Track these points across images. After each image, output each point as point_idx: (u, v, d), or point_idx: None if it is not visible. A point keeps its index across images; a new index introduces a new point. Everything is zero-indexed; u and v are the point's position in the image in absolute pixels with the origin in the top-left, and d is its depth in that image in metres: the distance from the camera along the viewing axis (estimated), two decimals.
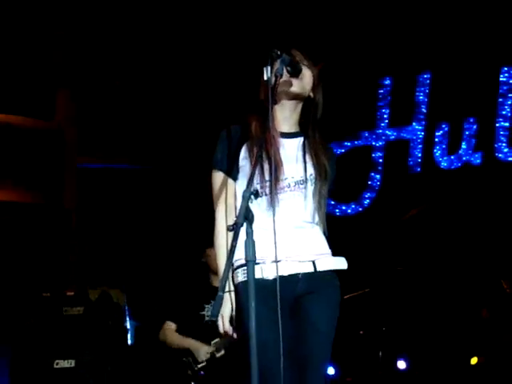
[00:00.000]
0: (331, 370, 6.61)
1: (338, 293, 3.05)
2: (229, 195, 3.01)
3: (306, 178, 3.02)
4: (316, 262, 2.98)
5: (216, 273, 4.89)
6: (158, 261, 7.58)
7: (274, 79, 2.84)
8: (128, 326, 5.64)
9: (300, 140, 3.10)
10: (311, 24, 7.13)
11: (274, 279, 2.82)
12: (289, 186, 3.00)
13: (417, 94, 7.75)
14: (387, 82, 7.88)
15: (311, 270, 2.97)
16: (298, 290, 2.96)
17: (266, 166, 2.94)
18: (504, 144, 7.34)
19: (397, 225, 7.44)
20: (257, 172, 2.91)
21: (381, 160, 7.83)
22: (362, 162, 7.71)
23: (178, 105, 8.11)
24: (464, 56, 7.49)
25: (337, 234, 3.20)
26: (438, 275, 7.13)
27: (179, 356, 4.89)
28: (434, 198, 7.49)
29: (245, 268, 2.86)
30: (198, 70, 7.82)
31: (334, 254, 3.12)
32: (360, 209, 7.72)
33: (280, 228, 2.89)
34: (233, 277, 2.96)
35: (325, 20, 7.34)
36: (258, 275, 2.82)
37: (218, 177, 3.05)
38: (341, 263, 3.08)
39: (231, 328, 2.88)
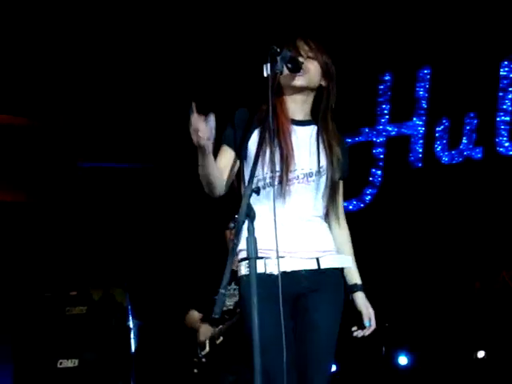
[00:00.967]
0: (333, 367, 6.61)
1: (341, 291, 3.03)
2: (222, 161, 2.97)
3: (318, 170, 2.97)
4: (320, 260, 2.95)
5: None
6: (161, 259, 7.58)
7: (273, 76, 2.82)
8: (131, 326, 5.64)
9: (313, 128, 3.05)
10: (311, 20, 7.12)
11: (275, 274, 2.81)
12: (297, 178, 2.95)
13: (417, 89, 7.75)
14: (387, 77, 7.87)
15: (315, 267, 2.95)
16: (300, 287, 2.93)
17: (277, 156, 2.92)
18: (505, 138, 7.33)
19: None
20: (267, 161, 2.90)
21: (382, 156, 7.82)
22: (362, 158, 7.70)
23: (179, 103, 8.10)
24: (464, 50, 7.48)
25: None
26: (440, 270, 7.13)
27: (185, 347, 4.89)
28: (436, 192, 7.49)
29: (267, 260, 2.84)
30: (199, 68, 7.82)
31: None
32: (361, 205, 7.71)
33: (286, 222, 2.88)
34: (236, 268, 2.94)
35: (324, 16, 7.33)
36: (261, 270, 2.80)
37: (223, 149, 3.01)
38: (345, 261, 3.07)
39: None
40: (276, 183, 2.90)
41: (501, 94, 7.41)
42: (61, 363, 5.25)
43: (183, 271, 7.12)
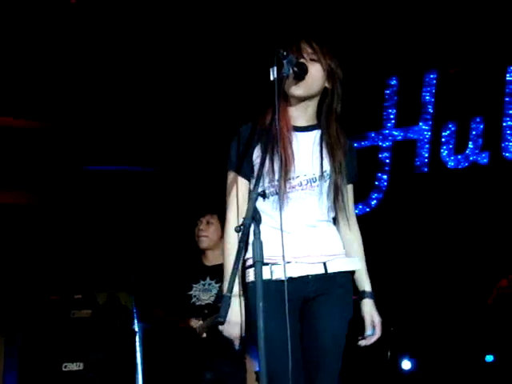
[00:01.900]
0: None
1: (350, 295, 3.03)
2: (240, 195, 2.96)
3: (322, 175, 2.96)
4: (327, 264, 2.95)
5: (203, 252, 4.92)
6: (166, 262, 7.58)
7: (280, 80, 2.82)
8: (136, 329, 5.63)
9: (317, 133, 3.04)
10: (317, 24, 7.12)
11: (282, 280, 2.81)
12: (300, 185, 2.95)
13: (423, 93, 7.74)
14: (393, 82, 7.87)
15: (322, 271, 2.95)
16: (307, 292, 2.93)
17: (277, 164, 2.91)
18: (511, 143, 7.32)
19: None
20: (267, 170, 2.89)
21: (388, 160, 7.81)
22: (368, 162, 7.69)
23: (182, 106, 8.11)
24: (470, 55, 7.48)
25: None
26: (446, 274, 7.12)
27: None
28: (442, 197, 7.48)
29: (273, 266, 2.85)
30: (203, 71, 7.83)
31: None
32: (367, 209, 7.70)
33: (291, 228, 2.87)
34: (243, 275, 2.93)
35: (331, 20, 7.33)
36: (267, 276, 2.81)
37: (231, 177, 3.01)
38: (353, 264, 3.05)
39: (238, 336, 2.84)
40: (277, 191, 2.90)
41: (507, 98, 7.40)
42: (66, 366, 5.25)
43: (174, 252, 7.12)
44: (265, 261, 2.61)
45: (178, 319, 4.90)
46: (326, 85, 3.02)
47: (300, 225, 2.92)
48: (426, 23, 7.44)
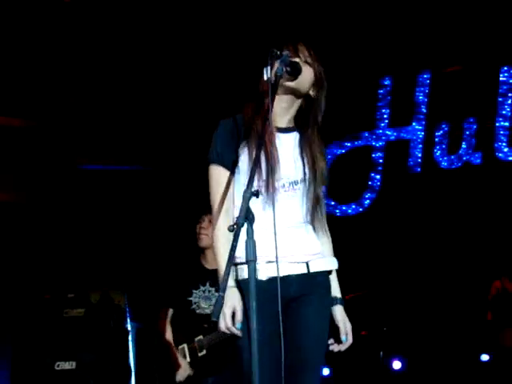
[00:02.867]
0: (326, 371, 6.62)
1: (330, 294, 3.03)
2: (226, 189, 2.93)
3: (304, 178, 2.97)
4: (309, 264, 2.95)
5: (203, 252, 4.89)
6: (159, 262, 7.58)
7: (273, 79, 2.82)
8: (129, 328, 5.63)
9: (296, 136, 3.04)
10: (311, 24, 7.12)
11: (268, 280, 2.82)
12: (283, 187, 2.95)
13: (417, 94, 7.76)
14: (387, 82, 7.88)
15: (304, 271, 2.94)
16: (291, 291, 2.92)
17: (263, 166, 2.91)
18: (504, 144, 7.34)
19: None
20: (256, 173, 2.88)
21: (381, 160, 7.83)
22: (362, 162, 7.71)
23: (177, 106, 8.11)
24: (464, 56, 7.49)
25: (337, 235, 3.19)
26: (438, 274, 7.13)
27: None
28: (434, 197, 7.49)
29: (257, 265, 2.83)
30: (197, 70, 7.83)
31: (335, 254, 3.11)
32: (360, 209, 7.72)
33: (277, 228, 2.84)
34: (236, 273, 2.91)
35: (325, 21, 7.34)
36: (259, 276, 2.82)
37: (217, 171, 2.96)
38: (332, 263, 3.05)
39: (232, 326, 2.83)
40: (263, 192, 2.89)
41: (500, 99, 7.42)
42: (58, 365, 5.24)
43: (174, 256, 7.11)
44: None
45: (171, 349, 4.86)
46: (311, 92, 3.02)
47: (282, 225, 2.89)
48: (420, 24, 7.45)
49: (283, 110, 3.02)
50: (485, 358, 6.45)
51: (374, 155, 7.84)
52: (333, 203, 7.55)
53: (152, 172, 8.26)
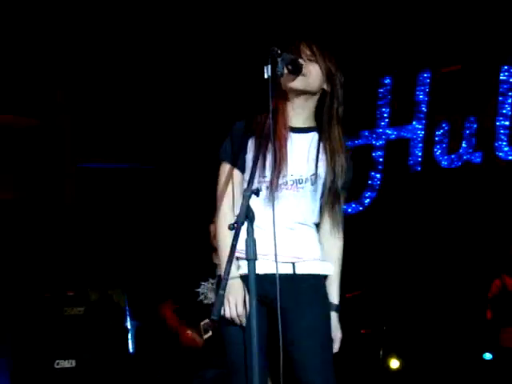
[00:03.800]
0: (488, 355, 6.56)
1: (322, 294, 2.97)
2: (235, 187, 2.94)
3: (314, 178, 2.95)
4: (296, 265, 2.92)
5: (215, 249, 4.90)
6: (159, 260, 7.58)
7: (273, 78, 2.82)
8: (129, 327, 5.64)
9: (314, 135, 3.02)
10: (311, 23, 7.12)
11: (246, 276, 2.75)
12: (286, 184, 2.93)
13: (417, 92, 7.75)
14: (387, 81, 7.87)
15: (290, 271, 2.91)
16: (273, 290, 2.76)
17: (268, 162, 2.90)
18: (504, 143, 7.33)
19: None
20: (258, 167, 2.87)
21: (381, 159, 7.82)
22: (362, 161, 7.70)
23: (178, 104, 8.11)
24: (464, 55, 7.49)
25: None
26: (438, 273, 7.13)
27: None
28: (435, 196, 7.49)
29: (241, 261, 2.85)
30: (198, 69, 7.82)
31: None
32: (360, 208, 7.71)
33: (266, 225, 2.82)
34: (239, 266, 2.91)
35: (325, 19, 7.33)
36: (240, 272, 2.86)
37: (225, 168, 2.98)
38: (325, 268, 3.00)
39: (243, 313, 2.82)
40: (264, 189, 2.89)
41: (500, 98, 7.41)
42: (58, 364, 5.24)
43: (182, 249, 7.12)
44: (237, 255, 2.70)
45: (177, 326, 4.87)
46: (325, 87, 3.01)
47: (277, 223, 2.81)
48: (420, 23, 7.44)
49: (298, 111, 3.01)
50: (487, 356, 6.44)
51: (374, 154, 7.84)
52: None
53: (152, 170, 8.26)
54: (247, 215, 2.55)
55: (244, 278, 2.83)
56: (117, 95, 8.04)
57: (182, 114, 8.02)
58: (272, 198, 2.87)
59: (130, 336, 5.58)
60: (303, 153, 2.98)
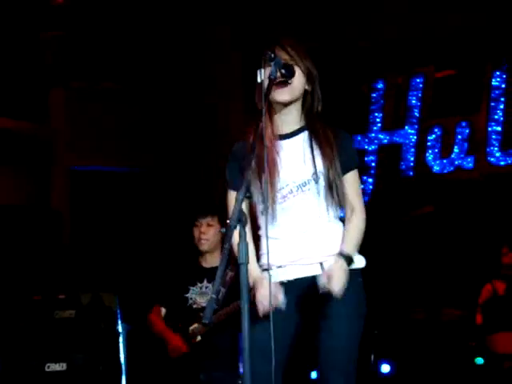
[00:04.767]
0: (314, 374, 6.61)
1: (354, 291, 2.98)
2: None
3: (315, 176, 2.95)
4: (324, 264, 2.93)
5: (202, 254, 4.88)
6: (150, 263, 7.57)
7: (267, 82, 2.82)
8: (120, 330, 5.62)
9: (304, 135, 3.03)
10: (304, 26, 7.13)
11: (281, 283, 2.88)
12: (291, 192, 2.95)
13: (409, 97, 7.77)
14: (380, 85, 7.89)
15: (319, 271, 2.92)
16: (306, 292, 2.93)
17: (263, 180, 2.90)
18: (496, 148, 7.36)
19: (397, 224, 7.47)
20: (257, 186, 2.90)
21: (373, 164, 7.83)
22: None
23: (172, 107, 8.11)
24: (457, 60, 7.51)
25: None
26: (430, 278, 7.14)
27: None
28: (427, 202, 7.50)
29: (270, 271, 2.87)
30: (193, 72, 7.84)
31: None
32: (342, 215, 7.71)
33: (286, 236, 2.92)
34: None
35: (318, 23, 7.35)
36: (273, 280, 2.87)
37: (231, 195, 3.00)
38: (356, 262, 3.03)
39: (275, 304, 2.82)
40: (268, 205, 2.91)
41: (492, 103, 7.43)
42: (49, 367, 5.22)
43: (170, 254, 7.11)
44: (264, 267, 2.87)
45: (163, 333, 4.85)
46: (306, 87, 3.01)
47: (296, 232, 2.93)
48: (414, 28, 7.46)
49: (285, 118, 3.02)
50: (479, 361, 6.45)
51: (366, 159, 7.84)
52: None
53: (143, 174, 8.26)
54: (240, 219, 2.54)
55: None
56: (110, 98, 8.05)
57: (175, 118, 8.02)
58: (273, 211, 2.91)
59: (121, 339, 5.56)
60: (298, 156, 2.99)
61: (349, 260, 2.93)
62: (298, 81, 2.96)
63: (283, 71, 2.87)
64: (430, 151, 7.62)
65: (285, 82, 2.90)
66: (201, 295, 4.80)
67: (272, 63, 2.82)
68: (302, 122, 3.05)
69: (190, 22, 7.83)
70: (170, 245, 7.42)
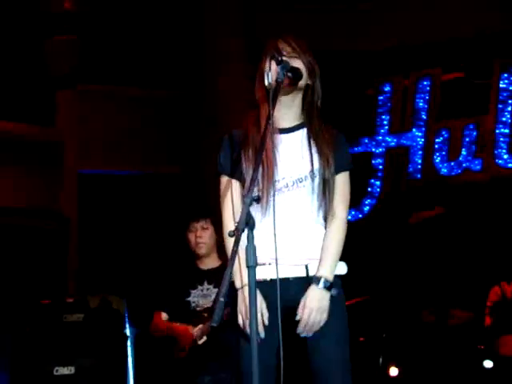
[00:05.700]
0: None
1: (336, 298, 2.93)
2: (234, 197, 2.95)
3: (312, 173, 2.93)
4: (309, 267, 2.92)
5: (199, 257, 4.87)
6: (157, 267, 7.58)
7: (275, 85, 2.81)
8: (128, 333, 5.63)
9: (303, 132, 3.00)
10: (312, 30, 7.13)
11: (263, 282, 2.82)
12: (286, 186, 2.93)
13: (417, 100, 7.76)
14: (387, 88, 7.88)
15: (303, 274, 2.92)
16: (289, 294, 2.87)
17: (260, 172, 2.87)
18: (504, 150, 7.34)
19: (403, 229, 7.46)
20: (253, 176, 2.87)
21: (381, 166, 7.82)
22: (362, 168, 7.70)
23: (176, 110, 8.12)
24: (464, 63, 7.51)
25: None
26: (438, 280, 7.13)
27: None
28: (435, 204, 7.49)
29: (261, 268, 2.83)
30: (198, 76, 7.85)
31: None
32: (360, 215, 7.71)
33: (276, 229, 2.80)
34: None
35: (325, 25, 7.36)
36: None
37: (223, 179, 2.99)
38: (339, 268, 2.99)
39: (260, 322, 2.79)
40: (261, 196, 2.88)
41: (500, 106, 7.42)
42: (57, 370, 5.22)
43: (169, 258, 7.11)
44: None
45: (166, 327, 4.84)
46: (308, 81, 3.01)
47: (286, 227, 2.88)
48: (420, 31, 7.46)
49: (285, 111, 3.00)
50: (487, 364, 6.43)
51: (373, 161, 7.84)
52: None
53: (151, 177, 8.26)
54: (247, 222, 2.54)
55: (259, 285, 2.81)
56: (116, 102, 8.07)
57: (180, 120, 8.04)
58: (267, 204, 2.87)
59: (129, 343, 5.57)
60: (297, 152, 2.97)
61: (329, 285, 2.89)
62: (302, 70, 2.95)
63: (290, 75, 2.87)
64: (437, 154, 7.61)
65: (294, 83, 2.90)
66: (203, 297, 4.80)
67: (279, 67, 2.81)
68: (302, 118, 3.03)
69: (196, 28, 7.85)
70: (172, 249, 7.43)
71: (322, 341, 2.90)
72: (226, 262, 2.63)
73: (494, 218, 7.16)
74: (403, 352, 6.82)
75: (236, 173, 2.96)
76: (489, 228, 7.14)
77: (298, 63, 2.93)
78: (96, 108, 8.10)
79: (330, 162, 2.95)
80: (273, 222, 2.77)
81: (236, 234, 2.52)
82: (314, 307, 2.86)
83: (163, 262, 7.01)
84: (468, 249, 7.15)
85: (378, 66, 7.74)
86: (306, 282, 2.91)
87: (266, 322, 2.84)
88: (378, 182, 7.77)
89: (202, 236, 4.83)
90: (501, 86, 7.43)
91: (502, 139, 7.37)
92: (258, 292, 2.72)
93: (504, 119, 7.40)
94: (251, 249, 2.55)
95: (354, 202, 7.62)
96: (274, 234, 2.75)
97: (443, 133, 7.62)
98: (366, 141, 7.90)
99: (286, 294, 2.82)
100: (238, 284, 2.86)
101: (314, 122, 3.00)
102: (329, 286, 2.89)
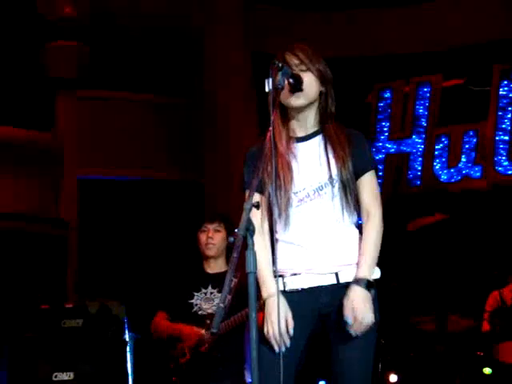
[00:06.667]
0: (323, 383, 6.59)
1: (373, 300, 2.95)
2: (263, 210, 2.94)
3: (331, 179, 2.92)
4: (339, 274, 2.91)
5: (207, 259, 4.86)
6: (157, 272, 7.57)
7: (275, 92, 2.81)
8: (127, 339, 5.61)
9: (320, 138, 2.99)
10: (310, 37, 7.14)
11: (294, 292, 2.86)
12: (308, 196, 2.92)
13: (417, 107, 7.77)
14: (387, 94, 7.89)
15: (334, 281, 2.91)
16: (320, 302, 2.89)
17: (279, 182, 2.89)
18: (504, 157, 7.35)
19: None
20: (272, 188, 2.88)
21: (380, 173, 7.83)
22: None
23: (177, 116, 8.13)
24: (464, 70, 7.52)
25: None
26: (437, 287, 7.12)
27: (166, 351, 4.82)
28: (435, 211, 7.50)
29: (285, 278, 2.88)
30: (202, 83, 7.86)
31: None
32: (360, 222, 7.70)
33: (302, 241, 2.88)
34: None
35: (328, 32, 7.37)
36: (281, 287, 2.86)
37: (247, 196, 2.89)
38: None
39: (285, 331, 2.81)
40: (283, 208, 2.89)
41: (500, 113, 7.43)
42: (56, 376, 5.20)
43: (174, 260, 7.11)
44: (279, 273, 2.80)
45: (173, 328, 4.83)
46: (321, 89, 2.99)
47: (312, 236, 2.90)
48: (421, 37, 7.47)
49: (301, 121, 2.98)
50: (487, 371, 6.42)
51: None
52: None
53: (147, 183, 8.27)
54: (247, 228, 2.54)
55: (286, 295, 2.86)
56: (116, 107, 8.07)
57: (179, 124, 8.05)
58: (287, 215, 2.89)
59: (128, 348, 5.56)
60: (314, 160, 2.96)
61: (369, 285, 2.92)
62: (311, 84, 2.92)
63: (291, 80, 2.86)
64: (437, 160, 7.62)
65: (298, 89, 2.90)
66: (206, 301, 4.78)
67: (280, 73, 2.80)
68: (318, 125, 3.02)
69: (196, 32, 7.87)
70: (175, 252, 7.43)
71: (347, 347, 2.91)
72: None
73: (493, 224, 7.17)
74: (402, 358, 6.81)
75: (258, 187, 2.93)
76: (488, 235, 7.15)
77: (307, 76, 2.92)
78: (96, 113, 8.10)
79: (347, 165, 2.93)
80: (297, 232, 2.86)
81: (235, 240, 2.52)
82: (360, 306, 2.86)
83: (165, 266, 7.02)
84: (467, 255, 7.15)
85: (378, 73, 7.74)
86: (337, 288, 2.91)
87: (291, 332, 2.84)
88: None
89: (213, 237, 4.81)
90: (500, 92, 7.44)
91: (501, 146, 7.38)
92: (283, 301, 2.81)
93: (504, 126, 7.41)
94: (251, 255, 2.55)
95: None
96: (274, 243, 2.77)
97: (443, 139, 7.63)
98: None
99: (317, 302, 2.89)
100: (264, 295, 2.86)
101: (329, 128, 3.00)
102: (369, 286, 2.92)
